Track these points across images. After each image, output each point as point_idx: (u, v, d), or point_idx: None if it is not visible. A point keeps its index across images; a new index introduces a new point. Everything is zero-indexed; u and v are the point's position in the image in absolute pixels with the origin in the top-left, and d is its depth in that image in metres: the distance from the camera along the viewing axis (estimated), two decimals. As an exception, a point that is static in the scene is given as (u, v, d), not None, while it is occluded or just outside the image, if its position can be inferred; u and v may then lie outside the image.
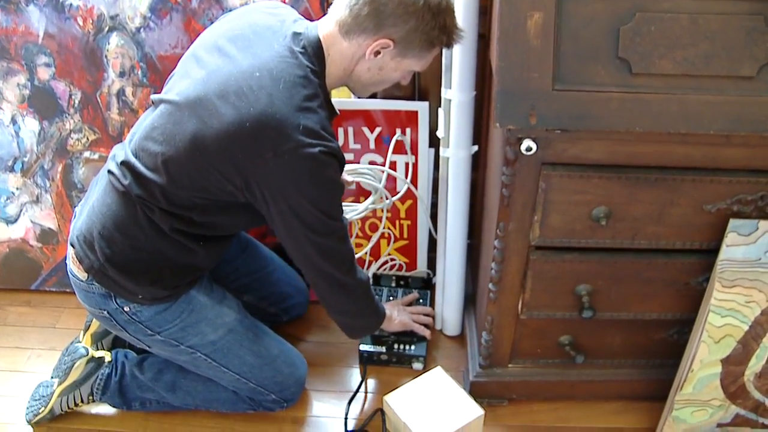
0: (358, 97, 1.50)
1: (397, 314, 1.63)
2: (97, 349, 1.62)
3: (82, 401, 1.57)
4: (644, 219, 1.27)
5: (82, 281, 1.37)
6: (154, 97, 1.30)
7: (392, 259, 1.88)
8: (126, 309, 1.38)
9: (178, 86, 1.24)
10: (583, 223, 1.28)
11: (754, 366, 1.38)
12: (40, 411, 1.55)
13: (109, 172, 1.32)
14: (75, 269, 1.38)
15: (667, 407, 1.47)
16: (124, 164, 1.29)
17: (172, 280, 1.36)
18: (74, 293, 1.43)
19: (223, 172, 1.19)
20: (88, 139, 1.70)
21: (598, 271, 1.35)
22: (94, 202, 1.34)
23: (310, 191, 1.18)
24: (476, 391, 1.59)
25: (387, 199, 1.61)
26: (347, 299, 1.39)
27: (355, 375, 1.71)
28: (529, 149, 1.20)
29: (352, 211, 1.59)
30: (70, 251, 1.38)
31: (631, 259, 1.33)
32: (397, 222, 1.82)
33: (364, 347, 1.70)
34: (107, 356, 1.58)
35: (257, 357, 1.50)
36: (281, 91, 1.15)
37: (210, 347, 1.45)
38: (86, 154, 1.72)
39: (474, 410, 1.48)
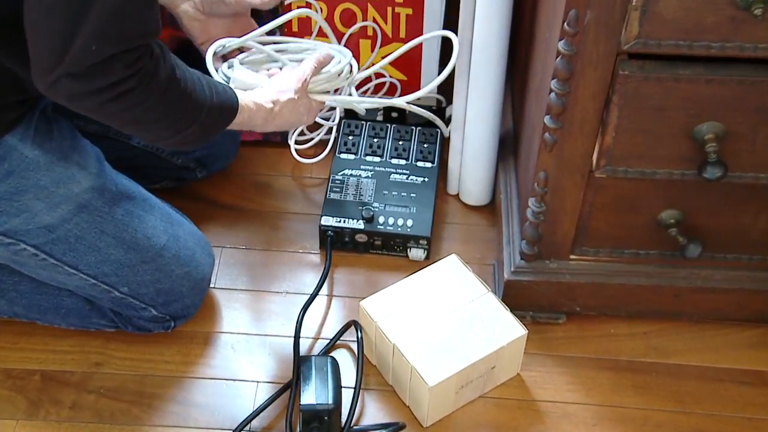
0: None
1: (297, 103, 1.48)
2: None
3: None
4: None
5: None
6: None
7: (380, 75, 1.83)
8: None
9: None
10: (719, 14, 1.19)
11: None
12: None
13: None
14: None
15: None
16: None
17: None
18: None
19: None
20: None
21: (739, 98, 1.27)
22: None
23: None
24: (514, 298, 1.56)
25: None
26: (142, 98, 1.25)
27: (312, 267, 1.68)
28: None
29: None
30: None
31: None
32: (389, 10, 1.76)
33: (327, 220, 1.65)
34: None
35: (129, 250, 1.45)
36: None
37: (43, 235, 1.39)
38: None
39: (510, 329, 1.44)
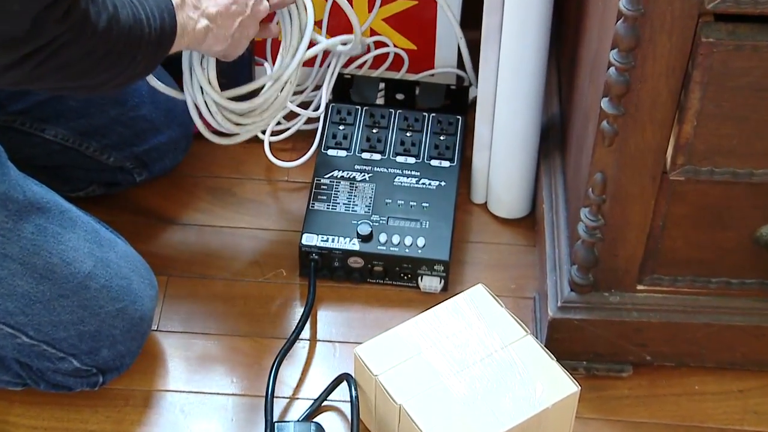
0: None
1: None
2: None
3: None
4: None
5: None
6: None
7: (381, 44, 1.87)
8: None
9: None
10: None
11: None
12: None
13: None
14: None
15: None
16: None
17: None
18: None
19: None
20: None
21: None
22: None
23: None
24: (562, 343, 1.56)
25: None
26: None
27: (290, 301, 1.67)
28: None
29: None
30: None
31: None
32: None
33: (309, 239, 1.65)
34: None
35: (41, 280, 1.43)
36: None
37: None
38: None
39: (557, 385, 1.44)
